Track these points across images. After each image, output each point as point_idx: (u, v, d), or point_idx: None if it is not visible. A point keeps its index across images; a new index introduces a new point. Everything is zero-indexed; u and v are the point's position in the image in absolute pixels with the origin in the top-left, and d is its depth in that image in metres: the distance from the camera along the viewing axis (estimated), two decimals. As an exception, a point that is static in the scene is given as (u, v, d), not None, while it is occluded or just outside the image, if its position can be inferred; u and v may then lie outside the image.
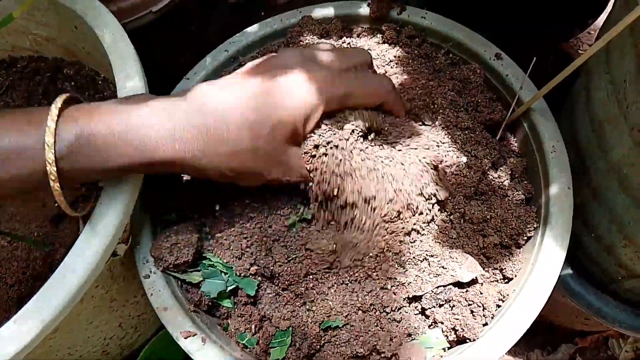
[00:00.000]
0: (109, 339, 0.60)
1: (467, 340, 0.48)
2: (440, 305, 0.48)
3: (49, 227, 0.61)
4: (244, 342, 0.48)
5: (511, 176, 0.53)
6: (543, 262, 0.48)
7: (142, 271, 0.50)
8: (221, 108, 0.42)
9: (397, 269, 0.48)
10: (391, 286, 0.48)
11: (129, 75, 0.50)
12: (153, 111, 0.42)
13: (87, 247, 0.43)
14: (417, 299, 0.48)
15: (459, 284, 0.48)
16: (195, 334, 0.47)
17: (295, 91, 0.43)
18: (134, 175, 0.46)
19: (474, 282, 0.48)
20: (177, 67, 0.62)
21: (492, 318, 0.48)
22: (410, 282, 0.48)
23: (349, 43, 0.59)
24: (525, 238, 0.50)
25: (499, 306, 0.49)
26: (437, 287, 0.48)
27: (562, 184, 0.50)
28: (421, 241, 0.48)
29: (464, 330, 0.47)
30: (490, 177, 0.52)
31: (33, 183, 0.40)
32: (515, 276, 0.50)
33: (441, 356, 0.48)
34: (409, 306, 0.48)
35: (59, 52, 0.66)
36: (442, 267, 0.48)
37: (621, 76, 0.46)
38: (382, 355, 0.46)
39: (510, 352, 0.81)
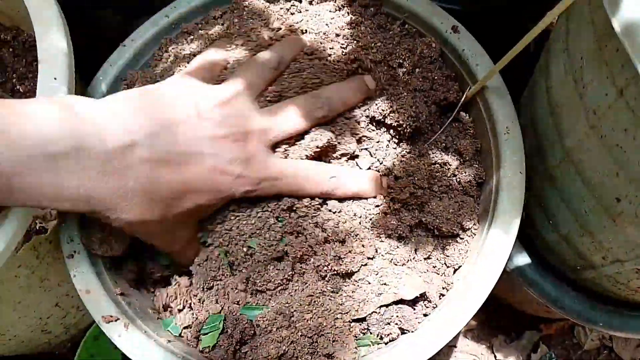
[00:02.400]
0: (47, 318, 0.58)
1: (406, 332, 0.45)
2: (388, 324, 0.45)
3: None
4: (168, 328, 0.46)
5: (462, 159, 0.50)
6: (489, 250, 0.45)
7: (66, 251, 0.47)
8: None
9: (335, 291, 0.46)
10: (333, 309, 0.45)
11: (51, 45, 0.46)
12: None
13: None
14: (360, 320, 0.46)
15: (402, 301, 0.45)
16: (118, 319, 0.44)
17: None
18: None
19: (418, 299, 0.46)
20: (129, 32, 0.59)
21: (434, 308, 0.46)
22: (350, 304, 0.45)
23: (298, 9, 0.55)
24: (468, 227, 0.48)
25: (442, 295, 0.47)
26: (380, 307, 0.45)
27: (514, 169, 0.47)
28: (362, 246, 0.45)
29: (401, 322, 0.45)
30: (436, 160, 0.49)
31: None
32: (461, 266, 0.48)
33: (378, 347, 0.45)
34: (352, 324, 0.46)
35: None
36: (384, 284, 0.45)
37: (578, 54, 0.42)
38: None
39: (473, 337, 0.80)
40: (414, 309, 0.45)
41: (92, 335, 0.68)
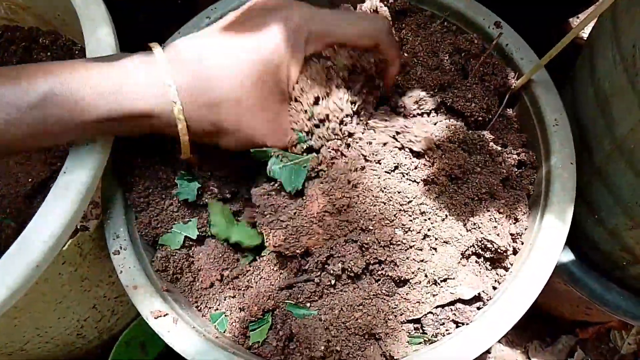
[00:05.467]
0: (83, 320, 0.57)
1: (460, 325, 0.44)
2: (443, 324, 0.44)
3: (22, 204, 0.58)
4: (215, 323, 0.45)
5: (509, 152, 0.50)
6: (542, 244, 0.44)
7: (112, 247, 0.47)
8: (198, 56, 0.40)
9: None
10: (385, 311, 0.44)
11: (100, 40, 0.46)
12: (130, 63, 0.39)
13: (48, 218, 0.39)
14: (415, 321, 0.45)
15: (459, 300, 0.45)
16: (167, 314, 0.44)
17: (273, 32, 0.40)
18: (101, 144, 0.43)
19: (476, 298, 0.45)
20: (163, 38, 0.59)
21: (488, 301, 0.45)
22: (405, 305, 0.44)
23: None
24: (520, 219, 0.47)
25: (494, 288, 0.46)
26: (436, 308, 0.44)
27: (565, 160, 0.46)
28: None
29: (455, 315, 0.44)
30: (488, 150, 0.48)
31: None
32: (514, 256, 0.47)
33: (431, 343, 0.44)
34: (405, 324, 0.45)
35: (35, 21, 0.63)
36: (439, 284, 0.44)
37: (630, 42, 0.42)
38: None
39: (508, 343, 0.78)
40: (470, 304, 0.44)
41: (124, 341, 0.67)
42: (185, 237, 0.48)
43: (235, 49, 0.40)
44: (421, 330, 0.45)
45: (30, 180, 0.58)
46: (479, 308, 0.45)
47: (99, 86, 0.38)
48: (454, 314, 0.44)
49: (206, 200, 0.49)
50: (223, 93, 0.40)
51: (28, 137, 0.37)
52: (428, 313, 0.44)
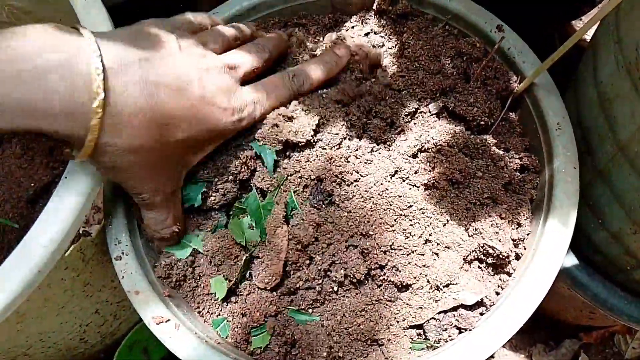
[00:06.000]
0: (86, 325, 0.57)
1: (463, 330, 0.44)
2: (445, 330, 0.44)
3: (24, 208, 0.58)
4: (217, 329, 0.45)
5: (512, 156, 0.49)
6: (545, 248, 0.44)
7: (114, 252, 0.47)
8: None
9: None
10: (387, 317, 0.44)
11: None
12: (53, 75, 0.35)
13: (49, 224, 0.39)
14: (418, 327, 0.45)
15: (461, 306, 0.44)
16: (169, 320, 0.44)
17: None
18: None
19: (478, 304, 0.45)
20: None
21: (491, 306, 0.45)
22: (407, 311, 0.44)
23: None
24: (522, 223, 0.47)
25: (497, 293, 0.46)
26: (439, 314, 0.44)
27: (568, 163, 0.46)
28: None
29: (458, 321, 0.44)
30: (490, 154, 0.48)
31: None
32: (517, 262, 0.47)
33: (434, 349, 0.44)
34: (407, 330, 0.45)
35: (38, 25, 0.62)
36: (441, 289, 0.44)
37: (633, 45, 0.42)
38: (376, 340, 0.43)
39: (511, 347, 0.78)
40: (472, 310, 0.44)
41: (127, 345, 0.67)
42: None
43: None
44: (424, 336, 0.44)
45: (32, 184, 0.58)
46: (481, 314, 0.45)
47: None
48: (456, 319, 0.44)
49: (211, 205, 0.48)
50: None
51: None
52: (430, 319, 0.44)
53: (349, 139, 0.47)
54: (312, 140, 0.46)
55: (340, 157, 0.45)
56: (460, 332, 0.44)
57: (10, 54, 0.34)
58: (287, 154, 0.47)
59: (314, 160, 0.46)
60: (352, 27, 0.56)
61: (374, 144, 0.48)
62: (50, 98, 0.35)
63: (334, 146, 0.46)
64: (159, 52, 0.40)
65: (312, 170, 0.45)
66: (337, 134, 0.46)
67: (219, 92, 0.43)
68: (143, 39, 0.41)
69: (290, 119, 0.46)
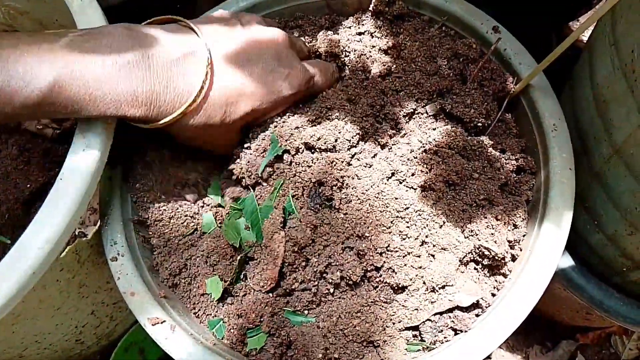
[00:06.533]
0: (82, 327, 0.57)
1: (458, 332, 0.44)
2: (441, 331, 0.44)
3: (20, 210, 0.58)
4: (213, 330, 0.45)
5: (508, 157, 0.49)
6: (541, 250, 0.44)
7: (110, 253, 0.47)
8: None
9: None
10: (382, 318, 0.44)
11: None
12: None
13: (44, 225, 0.39)
14: (413, 328, 0.45)
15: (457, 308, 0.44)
16: (164, 321, 0.44)
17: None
18: (99, 150, 0.43)
19: (474, 305, 0.45)
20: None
21: (486, 308, 0.45)
22: (403, 312, 0.44)
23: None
24: (518, 225, 0.47)
25: (493, 295, 0.46)
26: (434, 315, 0.44)
27: (563, 165, 0.46)
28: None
29: (453, 322, 0.44)
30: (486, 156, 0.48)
31: None
32: (512, 263, 0.47)
33: (429, 350, 0.44)
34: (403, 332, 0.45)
35: (33, 26, 0.62)
36: (437, 291, 0.44)
37: (629, 47, 0.42)
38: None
39: (508, 348, 0.78)
40: (468, 311, 0.44)
41: (123, 346, 0.67)
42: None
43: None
44: (419, 338, 0.44)
45: (28, 185, 0.58)
46: (477, 315, 0.45)
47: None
48: (452, 321, 0.44)
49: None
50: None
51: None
52: (426, 320, 0.44)
53: (356, 144, 0.47)
54: (315, 145, 0.46)
55: (342, 161, 0.45)
56: (456, 334, 0.44)
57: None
58: (287, 156, 0.47)
59: (315, 163, 0.46)
60: (349, 27, 0.56)
61: (378, 148, 0.48)
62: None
63: (340, 150, 0.46)
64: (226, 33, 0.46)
65: (312, 174, 0.45)
66: (349, 140, 0.46)
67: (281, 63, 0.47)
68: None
69: (313, 122, 0.47)
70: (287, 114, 0.48)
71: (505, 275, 0.46)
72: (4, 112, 0.37)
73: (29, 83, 0.36)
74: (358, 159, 0.46)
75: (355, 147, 0.47)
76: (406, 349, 0.44)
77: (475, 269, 0.46)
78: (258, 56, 0.46)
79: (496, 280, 0.46)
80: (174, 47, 0.43)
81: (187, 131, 0.45)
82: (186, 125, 0.44)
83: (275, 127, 0.47)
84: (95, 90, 0.39)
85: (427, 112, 0.49)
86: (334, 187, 0.45)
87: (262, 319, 0.45)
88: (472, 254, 0.45)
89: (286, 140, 0.46)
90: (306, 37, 0.56)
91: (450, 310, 0.44)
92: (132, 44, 0.41)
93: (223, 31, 0.46)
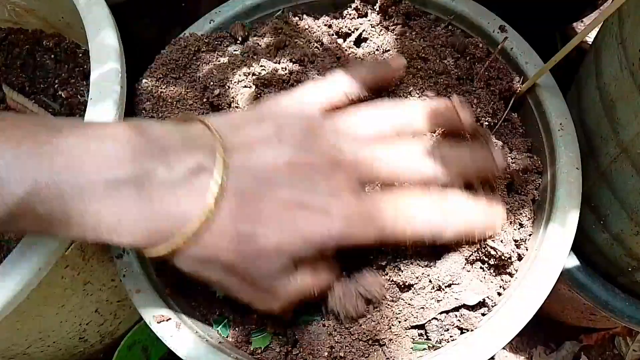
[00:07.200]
0: (86, 324, 0.57)
1: (465, 331, 0.44)
2: (447, 330, 0.44)
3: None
4: (218, 328, 0.45)
5: (515, 157, 0.49)
6: (547, 250, 0.44)
7: (115, 251, 0.46)
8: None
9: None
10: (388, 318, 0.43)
11: (103, 42, 0.46)
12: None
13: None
14: (419, 327, 0.44)
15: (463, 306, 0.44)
16: (169, 319, 0.44)
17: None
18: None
19: (480, 304, 0.44)
20: (166, 43, 0.59)
21: (493, 306, 0.45)
22: (409, 311, 0.44)
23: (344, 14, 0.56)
24: (524, 224, 0.47)
25: (499, 294, 0.46)
26: (440, 314, 0.44)
27: (570, 164, 0.46)
28: None
29: (460, 321, 0.43)
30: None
31: None
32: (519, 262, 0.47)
33: (436, 349, 0.44)
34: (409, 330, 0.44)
35: (39, 24, 0.63)
36: (444, 289, 0.43)
37: (636, 46, 0.42)
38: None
39: (512, 349, 0.78)
40: (474, 310, 0.44)
41: (126, 344, 0.66)
42: None
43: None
44: (425, 337, 0.44)
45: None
46: (483, 314, 0.44)
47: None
48: (458, 320, 0.44)
49: None
50: None
51: None
52: (432, 319, 0.43)
53: None
54: None
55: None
56: (462, 333, 0.44)
57: None
58: None
59: None
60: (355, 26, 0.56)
61: None
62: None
63: None
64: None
65: None
66: None
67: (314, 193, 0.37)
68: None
69: None
70: None
71: (511, 275, 0.46)
72: None
73: None
74: None
75: None
76: (412, 348, 0.44)
77: (481, 268, 0.45)
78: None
79: (502, 280, 0.46)
80: (182, 158, 0.34)
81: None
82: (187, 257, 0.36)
83: None
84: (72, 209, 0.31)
85: None
86: None
87: (267, 319, 0.45)
88: (478, 253, 0.45)
89: None
90: (312, 35, 0.56)
91: (457, 308, 0.44)
92: (132, 155, 0.33)
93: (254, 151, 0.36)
